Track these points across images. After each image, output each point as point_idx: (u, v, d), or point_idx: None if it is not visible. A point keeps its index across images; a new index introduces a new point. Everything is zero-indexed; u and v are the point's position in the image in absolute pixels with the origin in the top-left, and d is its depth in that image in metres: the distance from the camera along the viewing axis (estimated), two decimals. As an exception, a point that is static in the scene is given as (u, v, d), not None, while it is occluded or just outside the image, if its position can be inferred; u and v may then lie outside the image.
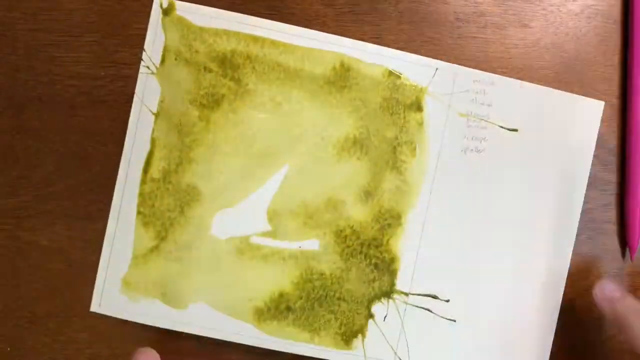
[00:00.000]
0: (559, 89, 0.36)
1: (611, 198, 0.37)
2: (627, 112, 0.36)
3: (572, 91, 0.36)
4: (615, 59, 0.37)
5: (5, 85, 0.34)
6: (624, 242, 0.37)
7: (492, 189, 0.35)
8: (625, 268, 0.37)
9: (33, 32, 0.34)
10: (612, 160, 0.37)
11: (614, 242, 0.37)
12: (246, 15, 0.34)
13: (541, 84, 0.35)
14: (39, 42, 0.34)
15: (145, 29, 0.34)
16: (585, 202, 0.36)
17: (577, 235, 0.36)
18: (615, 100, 0.37)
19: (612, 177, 0.37)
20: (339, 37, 0.34)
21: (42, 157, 0.35)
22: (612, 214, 0.37)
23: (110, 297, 0.34)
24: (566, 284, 0.36)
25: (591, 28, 0.36)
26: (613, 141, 0.37)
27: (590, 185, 0.36)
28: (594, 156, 0.36)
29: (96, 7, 0.35)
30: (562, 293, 0.36)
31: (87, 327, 0.35)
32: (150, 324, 0.34)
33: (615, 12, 0.36)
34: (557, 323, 0.36)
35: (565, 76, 0.36)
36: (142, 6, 0.34)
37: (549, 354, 0.36)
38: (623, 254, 0.37)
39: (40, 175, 0.35)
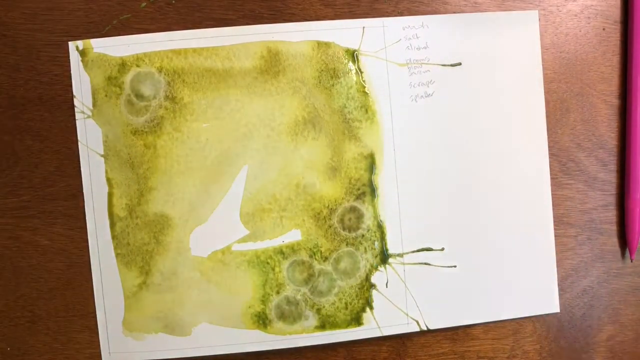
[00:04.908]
0: (559, 88, 0.36)
1: (611, 198, 0.36)
2: (627, 112, 0.36)
3: (572, 91, 0.36)
4: (615, 59, 0.36)
5: (5, 85, 0.34)
6: (624, 242, 0.36)
7: (454, 129, 0.35)
8: (625, 268, 0.37)
9: (33, 32, 0.34)
10: (612, 160, 0.36)
11: (614, 242, 0.37)
12: (159, 33, 0.34)
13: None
14: (39, 42, 0.34)
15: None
16: (585, 202, 0.36)
17: (577, 235, 0.36)
18: (615, 100, 0.36)
19: (612, 177, 0.36)
20: (257, 25, 0.34)
21: (42, 157, 0.34)
22: (612, 214, 0.37)
23: (116, 344, 0.34)
24: (566, 283, 0.36)
25: (591, 28, 0.36)
26: (613, 141, 0.36)
27: (590, 185, 0.36)
28: (594, 156, 0.36)
29: (96, 6, 0.34)
30: (552, 213, 0.36)
31: (87, 327, 0.35)
32: (160, 358, 0.34)
33: (615, 12, 0.36)
34: (557, 324, 0.36)
35: (565, 76, 0.36)
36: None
37: (555, 272, 0.36)
38: (623, 254, 0.37)
39: (40, 175, 0.34)
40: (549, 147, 0.36)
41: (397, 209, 0.35)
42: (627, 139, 0.36)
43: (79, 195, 0.34)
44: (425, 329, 0.35)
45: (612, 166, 0.37)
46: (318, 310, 0.34)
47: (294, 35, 0.34)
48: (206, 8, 0.34)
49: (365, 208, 0.34)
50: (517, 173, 0.35)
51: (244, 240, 0.34)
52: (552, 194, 0.36)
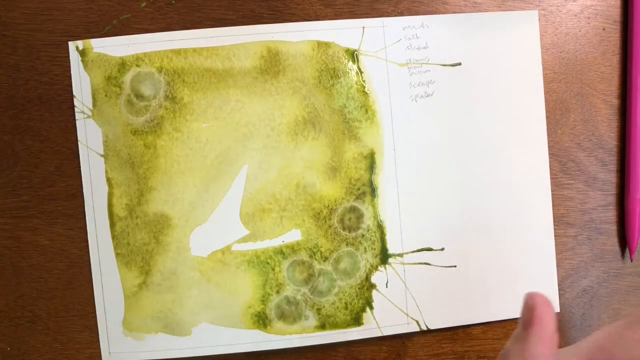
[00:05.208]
0: (559, 88, 0.36)
1: (611, 198, 0.36)
2: (627, 112, 0.36)
3: (572, 91, 0.36)
4: (615, 59, 0.36)
5: (5, 85, 0.34)
6: (624, 242, 0.36)
7: (454, 129, 0.35)
8: (625, 268, 0.37)
9: (33, 32, 0.34)
10: (612, 160, 0.36)
11: (614, 242, 0.37)
12: (159, 33, 0.34)
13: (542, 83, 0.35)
14: (39, 42, 0.34)
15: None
16: (585, 202, 0.36)
17: (577, 235, 0.36)
18: (615, 100, 0.36)
19: (612, 177, 0.36)
20: (257, 25, 0.34)
21: (42, 157, 0.34)
22: (612, 214, 0.37)
23: (116, 344, 0.34)
24: (566, 283, 0.36)
25: (591, 28, 0.36)
26: (613, 141, 0.36)
27: (590, 185, 0.36)
28: (594, 156, 0.36)
29: (96, 6, 0.34)
30: (552, 213, 0.36)
31: (87, 327, 0.35)
32: (160, 358, 0.34)
33: (615, 12, 0.36)
34: (557, 324, 0.35)
35: (565, 76, 0.36)
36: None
37: (555, 272, 0.36)
38: (623, 254, 0.37)
39: (40, 175, 0.34)
40: (549, 147, 0.36)
41: (397, 209, 0.35)
42: (627, 139, 0.36)
43: (79, 195, 0.34)
44: (425, 329, 0.35)
45: (612, 166, 0.37)
46: (318, 310, 0.34)
47: (294, 35, 0.34)
48: (206, 8, 0.34)
49: (365, 208, 0.34)
50: (517, 173, 0.35)
51: (244, 240, 0.34)
52: (552, 194, 0.36)
